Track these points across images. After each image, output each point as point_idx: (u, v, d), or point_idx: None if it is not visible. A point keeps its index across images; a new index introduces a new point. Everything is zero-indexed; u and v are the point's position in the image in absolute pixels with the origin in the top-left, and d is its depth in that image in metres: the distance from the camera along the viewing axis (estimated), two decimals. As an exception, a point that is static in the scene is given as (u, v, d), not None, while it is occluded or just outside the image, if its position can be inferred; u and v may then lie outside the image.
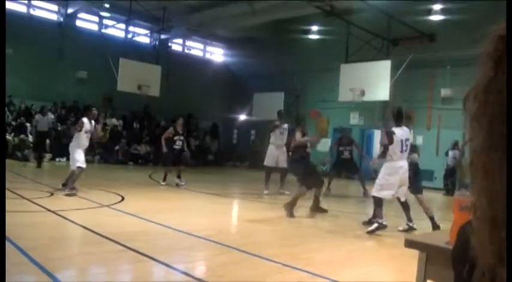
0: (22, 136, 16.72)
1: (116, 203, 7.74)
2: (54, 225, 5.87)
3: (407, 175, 6.83)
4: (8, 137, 16.64)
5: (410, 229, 6.83)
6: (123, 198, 8.19)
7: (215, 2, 19.21)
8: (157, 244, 5.31)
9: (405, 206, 6.95)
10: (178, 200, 9.30)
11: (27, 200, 7.38)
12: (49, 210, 6.66)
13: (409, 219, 6.91)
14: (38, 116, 15.74)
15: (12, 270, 3.90)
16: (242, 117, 23.51)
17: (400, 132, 6.81)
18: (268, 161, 11.19)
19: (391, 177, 6.76)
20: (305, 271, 4.30)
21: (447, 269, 0.82)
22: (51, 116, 17.09)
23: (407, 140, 6.87)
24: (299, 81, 20.29)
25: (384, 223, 6.56)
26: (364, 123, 18.97)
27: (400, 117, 6.92)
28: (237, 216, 8.47)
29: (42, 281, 3.63)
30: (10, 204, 6.65)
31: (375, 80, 14.70)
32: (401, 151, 6.82)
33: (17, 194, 7.78)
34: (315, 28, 21.01)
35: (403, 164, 6.85)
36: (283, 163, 10.69)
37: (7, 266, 3.96)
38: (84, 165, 8.58)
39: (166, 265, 4.28)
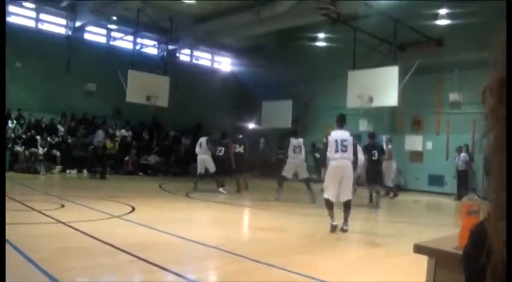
0: (33, 149, 16.84)
1: (126, 214, 7.76)
2: (65, 237, 5.89)
3: (345, 174, 7.03)
4: (19, 149, 16.80)
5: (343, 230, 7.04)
6: (133, 209, 8.22)
7: (221, 11, 19.34)
8: (168, 254, 5.31)
9: (346, 206, 7.09)
10: (188, 209, 9.32)
11: (38, 211, 7.43)
12: (60, 222, 6.70)
13: (345, 220, 7.07)
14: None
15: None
16: (251, 125, 23.53)
17: (334, 134, 7.22)
18: (286, 173, 11.36)
19: (328, 177, 7.11)
20: (316, 279, 4.27)
21: (456, 274, 0.82)
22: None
23: (343, 140, 7.13)
24: (307, 89, 20.32)
25: (334, 224, 6.95)
26: (373, 130, 18.93)
27: (338, 121, 7.42)
28: (248, 225, 8.46)
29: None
30: (22, 216, 6.71)
31: (383, 86, 14.65)
32: (336, 151, 7.08)
33: (28, 206, 7.84)
34: (321, 35, 21.08)
35: (340, 164, 7.06)
36: (302, 174, 11.34)
37: (18, 278, 4.00)
38: None
39: (178, 275, 4.28)
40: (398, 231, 6.57)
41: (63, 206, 8.38)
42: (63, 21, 21.33)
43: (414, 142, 17.25)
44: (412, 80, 14.73)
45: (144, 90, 17.50)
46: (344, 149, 7.05)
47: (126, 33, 22.03)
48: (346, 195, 7.06)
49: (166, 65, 20.19)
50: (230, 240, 6.21)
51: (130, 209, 8.30)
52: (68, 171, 16.71)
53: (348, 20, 15.97)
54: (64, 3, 20.17)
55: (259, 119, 22.04)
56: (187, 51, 25.20)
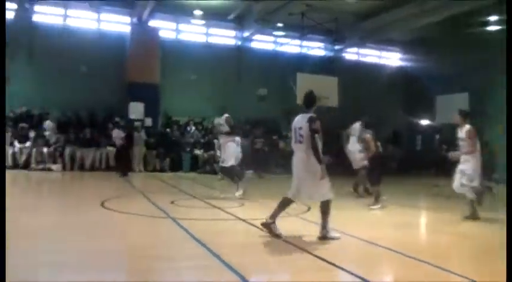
0: (211, 152, 18.34)
1: (303, 213, 7.99)
2: (245, 233, 6.31)
3: (299, 170, 5.86)
4: (199, 152, 18.68)
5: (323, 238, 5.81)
6: (309, 208, 8.42)
7: (386, 6, 18.86)
8: (343, 253, 5.35)
9: (321, 209, 5.90)
10: (362, 210, 9.21)
11: (219, 209, 8.09)
12: (239, 219, 7.21)
13: (323, 226, 5.86)
14: None
15: (204, 273, 4.34)
16: (424, 122, 22.42)
17: (294, 120, 6.05)
18: None
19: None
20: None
21: None
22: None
23: (299, 128, 5.90)
24: (483, 79, 18.67)
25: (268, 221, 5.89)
26: None
27: (304, 102, 6.16)
28: (426, 228, 8.10)
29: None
30: (204, 213, 7.33)
31: None
32: (295, 142, 5.99)
33: (211, 204, 8.59)
34: (493, 18, 19.11)
35: (294, 157, 5.98)
36: None
37: (200, 269, 4.40)
38: None
39: (354, 275, 4.28)
40: None
41: (243, 204, 8.97)
42: (232, 33, 22.83)
43: None
44: None
45: (314, 91, 17.79)
46: (300, 139, 5.87)
47: (292, 38, 22.68)
48: (314, 194, 5.86)
49: (333, 65, 20.33)
50: (408, 243, 6.01)
51: (307, 208, 8.52)
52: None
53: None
54: (231, 16, 21.56)
55: (433, 114, 20.88)
56: (353, 49, 25.02)
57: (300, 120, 5.94)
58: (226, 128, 9.99)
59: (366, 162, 10.13)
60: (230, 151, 9.98)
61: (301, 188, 5.87)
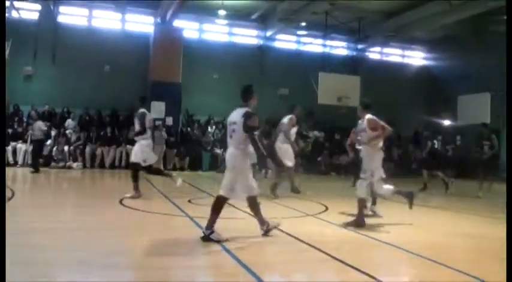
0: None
1: (320, 213, 7.94)
2: (257, 232, 6.28)
3: (229, 166, 5.53)
4: (218, 151, 18.98)
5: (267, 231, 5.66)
6: (327, 208, 8.37)
7: (410, 4, 18.62)
8: (360, 254, 5.28)
9: (250, 205, 5.70)
10: (380, 211, 9.10)
11: (234, 207, 8.06)
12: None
13: (262, 223, 5.67)
14: None
15: (219, 271, 4.34)
16: (446, 122, 22.03)
17: (230, 114, 5.69)
18: None
19: None
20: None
21: None
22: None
23: (233, 123, 5.55)
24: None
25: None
26: None
27: (241, 96, 5.77)
28: (443, 229, 7.96)
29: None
30: (222, 211, 7.31)
31: None
32: (228, 137, 5.63)
33: (228, 203, 8.55)
34: (521, 15, 18.68)
35: (229, 151, 5.61)
36: None
37: (215, 268, 4.40)
38: None
39: (370, 276, 4.22)
40: None
41: (260, 203, 8.91)
42: (255, 33, 22.83)
43: None
44: None
45: (335, 91, 17.72)
46: (232, 134, 5.55)
47: (315, 37, 22.57)
48: (242, 191, 5.61)
49: (356, 64, 20.15)
50: (426, 245, 5.89)
51: (324, 208, 8.47)
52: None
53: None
54: (255, 15, 21.55)
55: (455, 115, 20.53)
56: (377, 48, 24.78)
57: (235, 115, 5.59)
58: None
59: (289, 163, 9.79)
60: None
61: (234, 184, 5.57)
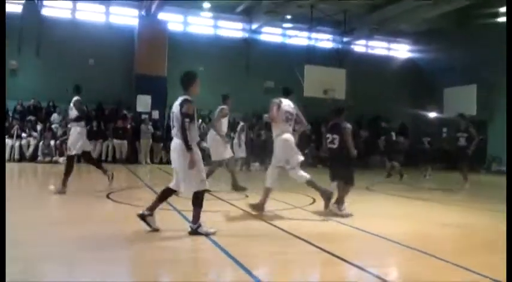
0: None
1: (308, 205, 7.99)
2: (248, 224, 6.29)
3: (174, 158, 5.49)
4: (206, 145, 18.57)
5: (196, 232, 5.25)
6: (314, 201, 8.40)
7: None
8: (349, 246, 5.33)
9: (193, 200, 5.34)
10: (366, 202, 9.18)
11: (223, 201, 8.07)
12: (243, 210, 7.24)
13: (194, 221, 5.31)
14: None
15: (208, 264, 4.34)
16: (432, 114, 22.23)
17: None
18: None
19: None
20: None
21: None
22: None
23: (172, 112, 5.52)
24: (493, 71, 18.48)
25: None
26: None
27: (181, 84, 5.71)
28: (430, 220, 8.06)
29: (239, 278, 3.92)
30: (209, 205, 7.31)
31: None
32: (172, 127, 5.58)
33: (216, 196, 8.55)
34: (503, 10, 18.83)
35: (172, 143, 5.54)
36: None
37: (204, 261, 4.40)
38: None
39: (359, 268, 4.26)
40: None
41: (247, 196, 8.95)
42: (240, 25, 22.77)
43: None
44: None
45: (321, 84, 17.75)
46: (173, 123, 5.45)
47: (301, 30, 22.57)
48: (186, 186, 5.41)
49: (341, 57, 20.20)
50: (411, 235, 5.96)
51: (312, 200, 8.50)
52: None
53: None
54: (240, 8, 21.47)
55: (441, 107, 20.74)
56: (362, 41, 24.86)
57: (175, 104, 5.47)
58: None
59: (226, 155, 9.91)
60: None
61: (179, 177, 5.45)
